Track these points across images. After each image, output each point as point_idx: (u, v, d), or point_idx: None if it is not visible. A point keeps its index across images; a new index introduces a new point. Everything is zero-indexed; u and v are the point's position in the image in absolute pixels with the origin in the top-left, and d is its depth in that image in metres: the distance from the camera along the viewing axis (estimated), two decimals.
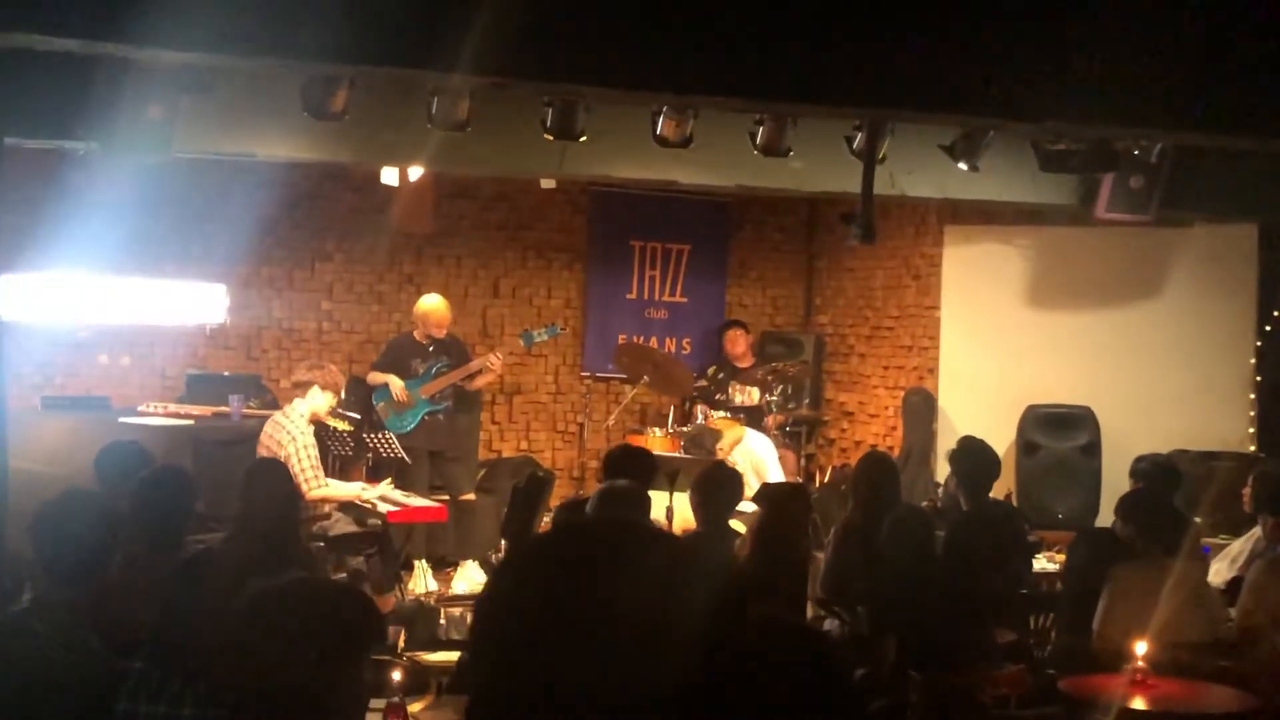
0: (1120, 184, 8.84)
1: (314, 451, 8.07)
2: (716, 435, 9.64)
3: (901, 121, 7.56)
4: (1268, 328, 9.89)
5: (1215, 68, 6.74)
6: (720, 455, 9.41)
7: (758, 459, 9.57)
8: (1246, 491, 6.92)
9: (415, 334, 9.97)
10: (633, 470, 6.57)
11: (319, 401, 8.24)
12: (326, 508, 8.16)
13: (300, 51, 5.67)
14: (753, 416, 10.64)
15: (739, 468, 9.41)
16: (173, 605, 4.07)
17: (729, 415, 10.39)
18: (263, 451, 7.99)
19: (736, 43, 6.15)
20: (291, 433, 8.02)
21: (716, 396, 10.99)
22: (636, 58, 6.11)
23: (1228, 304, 10.07)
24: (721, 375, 11.21)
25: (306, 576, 4.59)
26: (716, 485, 6.59)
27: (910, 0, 6.35)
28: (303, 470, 7.91)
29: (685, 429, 10.27)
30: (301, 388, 8.26)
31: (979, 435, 10.42)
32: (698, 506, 6.56)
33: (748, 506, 7.54)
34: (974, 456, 7.62)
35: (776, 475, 9.51)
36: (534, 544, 1.85)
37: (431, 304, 9.98)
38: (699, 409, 10.73)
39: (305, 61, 6.00)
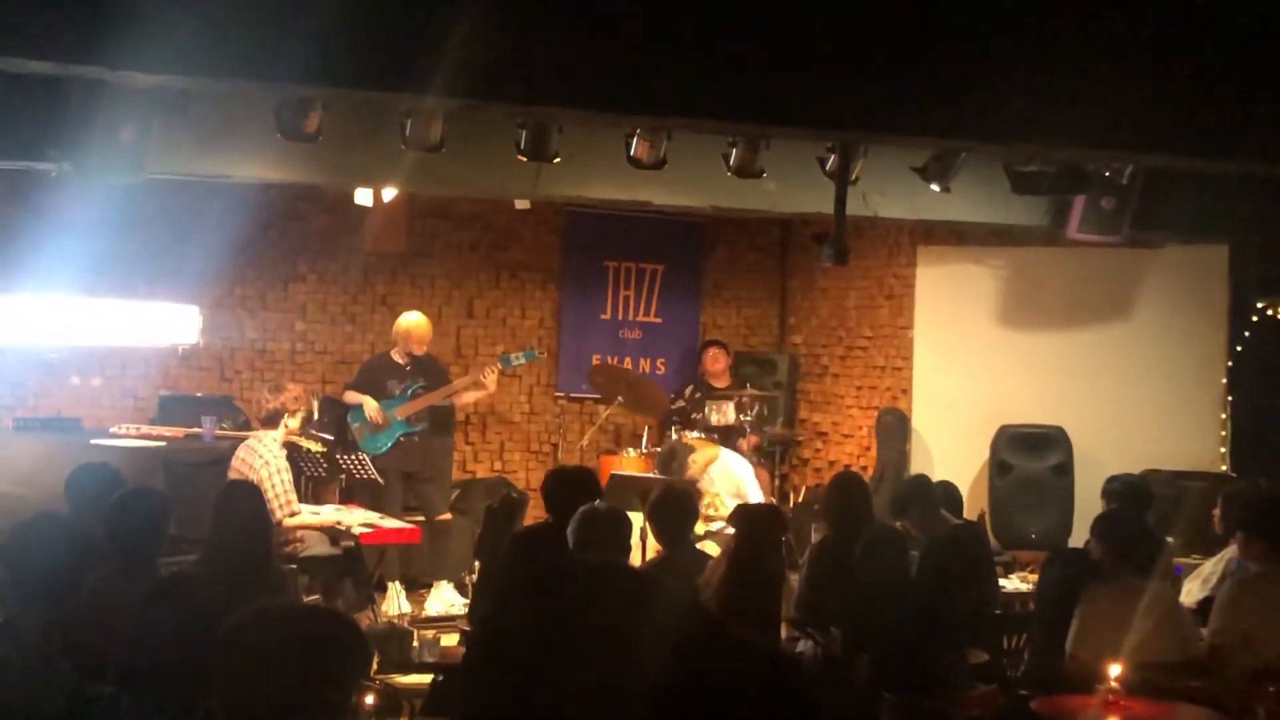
0: (1091, 205, 8.89)
1: (288, 477, 8.05)
2: (689, 451, 9.62)
3: (873, 144, 7.60)
4: (1238, 348, 9.95)
5: (1183, 91, 6.79)
6: (690, 473, 9.41)
7: (736, 479, 9.57)
8: (1217, 512, 6.95)
9: (392, 354, 9.95)
10: (576, 494, 6.56)
11: (292, 424, 8.23)
12: (299, 532, 8.13)
13: (273, 74, 5.67)
14: (728, 436, 10.64)
15: (717, 489, 9.43)
16: (144, 628, 4.06)
17: (703, 436, 10.39)
18: (235, 475, 7.96)
19: (709, 66, 6.17)
20: (265, 457, 8.00)
21: (693, 415, 10.99)
22: (609, 80, 6.13)
23: (1199, 324, 10.13)
24: (698, 395, 11.22)
25: (289, 600, 4.58)
26: (669, 506, 6.61)
27: (881, 24, 6.38)
28: (276, 496, 7.88)
29: (658, 449, 10.27)
30: (273, 420, 8.23)
31: (952, 455, 10.53)
32: (656, 532, 6.58)
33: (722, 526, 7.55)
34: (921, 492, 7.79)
35: (756, 496, 9.51)
36: (517, 588, 1.88)
37: (413, 321, 9.97)
38: (673, 431, 10.74)
39: (278, 84, 6.01)
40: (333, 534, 8.25)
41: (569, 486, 6.78)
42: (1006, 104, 6.62)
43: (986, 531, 9.34)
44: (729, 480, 9.54)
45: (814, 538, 7.79)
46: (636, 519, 7.65)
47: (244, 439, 8.39)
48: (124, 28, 5.20)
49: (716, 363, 11.43)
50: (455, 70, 5.69)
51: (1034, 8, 6.52)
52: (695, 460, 9.53)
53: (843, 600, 6.59)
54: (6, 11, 5.19)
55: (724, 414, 10.86)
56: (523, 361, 10.49)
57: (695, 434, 10.46)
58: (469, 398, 10.22)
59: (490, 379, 9.92)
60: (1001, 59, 6.52)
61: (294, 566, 7.92)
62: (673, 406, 11.26)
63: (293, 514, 8.04)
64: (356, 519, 8.41)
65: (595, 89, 6.15)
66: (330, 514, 8.49)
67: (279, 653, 2.98)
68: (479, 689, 1.77)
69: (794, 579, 7.47)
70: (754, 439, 10.90)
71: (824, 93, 6.40)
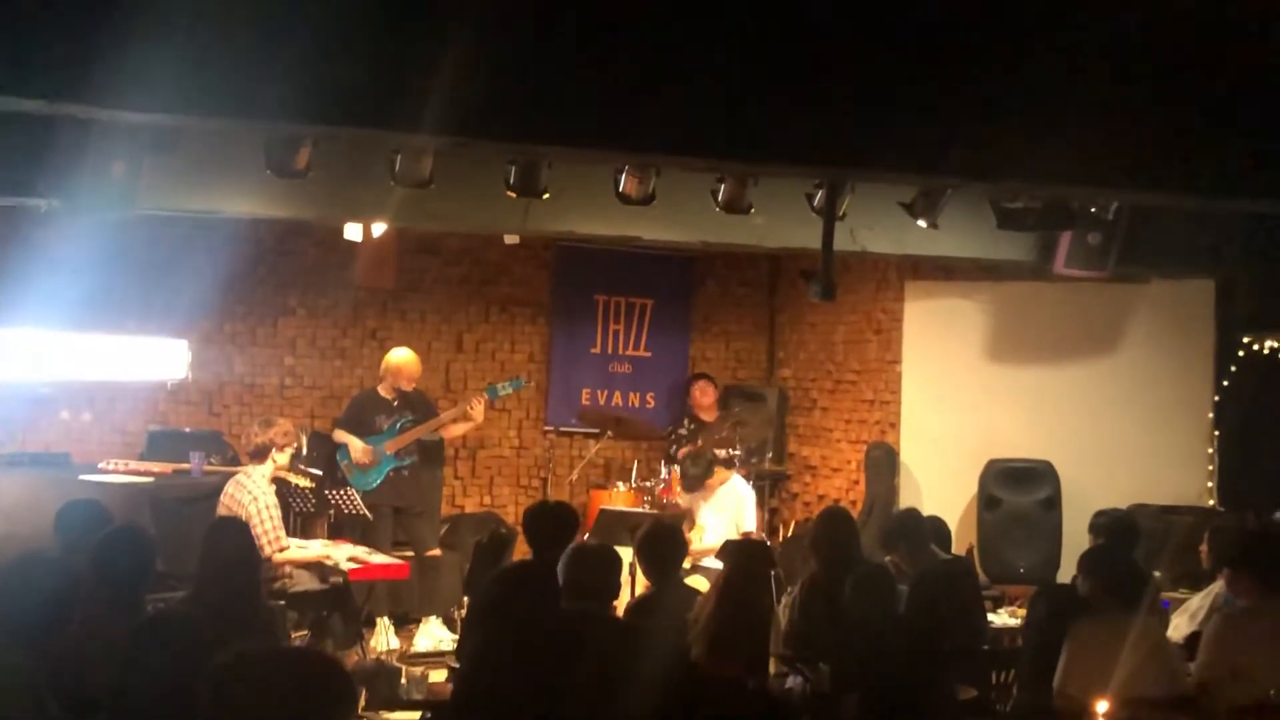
0: (1078, 240, 8.93)
1: (276, 513, 8.05)
2: (715, 463, 9.69)
3: (860, 181, 7.64)
4: (1225, 383, 9.98)
5: (1168, 128, 6.83)
6: (707, 485, 9.57)
7: (740, 500, 9.63)
8: (1204, 547, 6.97)
9: (380, 389, 9.95)
10: (558, 529, 6.58)
11: (280, 459, 8.23)
12: (288, 568, 8.12)
13: (262, 112, 5.68)
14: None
15: (716, 515, 9.46)
16: (132, 667, 4.06)
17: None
18: (223, 511, 7.96)
19: (697, 103, 6.20)
20: (253, 493, 8.00)
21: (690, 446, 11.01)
22: (598, 117, 6.15)
23: (1185, 359, 10.17)
24: (692, 428, 11.24)
25: (276, 644, 4.58)
26: (658, 543, 6.61)
27: (868, 62, 6.41)
28: (265, 532, 7.88)
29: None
30: (260, 455, 8.23)
31: (940, 489, 10.54)
32: (645, 568, 6.59)
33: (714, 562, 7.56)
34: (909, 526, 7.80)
35: (752, 522, 9.55)
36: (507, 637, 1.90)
37: (403, 357, 9.98)
38: (663, 465, 10.77)
39: (268, 122, 6.02)
40: (321, 570, 8.24)
41: (548, 521, 6.79)
42: (992, 141, 6.65)
43: (975, 566, 9.35)
44: (733, 499, 9.59)
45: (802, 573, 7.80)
46: (626, 553, 7.65)
47: (233, 474, 8.39)
48: (114, 67, 5.22)
49: (705, 396, 11.48)
50: (444, 107, 5.71)
51: (1019, 45, 6.56)
52: (713, 477, 9.61)
53: (831, 636, 6.60)
54: None
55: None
56: (510, 390, 10.49)
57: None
58: (457, 430, 10.23)
59: (478, 410, 9.94)
60: (988, 96, 6.56)
61: (282, 603, 7.91)
62: (676, 433, 11.29)
63: (281, 549, 8.03)
64: (345, 554, 8.40)
65: (584, 126, 6.17)
66: (319, 549, 8.48)
67: (265, 696, 2.98)
68: None
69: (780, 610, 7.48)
70: (743, 471, 10.91)
71: (811, 130, 6.43)
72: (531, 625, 1.92)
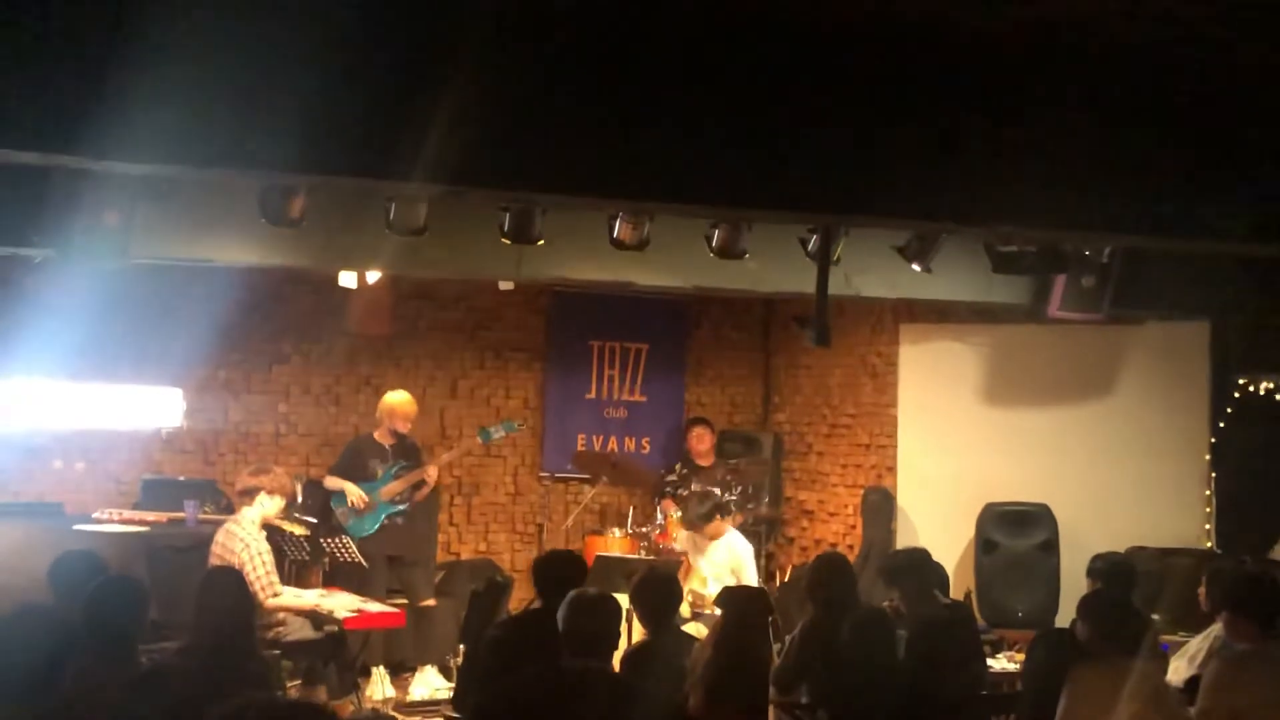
0: (1072, 283, 8.94)
1: (269, 559, 8.02)
2: (716, 509, 9.55)
3: (854, 226, 7.65)
4: (1221, 424, 9.97)
5: (1163, 172, 6.85)
6: (709, 529, 9.41)
7: (739, 558, 9.51)
8: (1202, 591, 6.94)
9: (375, 435, 9.93)
10: (567, 579, 6.52)
11: (268, 507, 8.21)
12: (282, 615, 8.08)
13: (256, 162, 5.69)
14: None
15: (714, 569, 9.39)
16: None
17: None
18: (215, 560, 7.93)
19: (690, 150, 6.22)
20: (245, 540, 7.97)
21: (680, 491, 10.98)
22: (591, 165, 6.17)
23: (1181, 400, 10.15)
24: (685, 472, 11.22)
25: (270, 696, 4.54)
26: (654, 590, 6.58)
27: (862, 107, 6.44)
28: (258, 579, 7.85)
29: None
30: (248, 495, 8.22)
31: (938, 533, 10.50)
32: (641, 615, 6.56)
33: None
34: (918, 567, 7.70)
35: (752, 578, 9.45)
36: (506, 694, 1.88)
37: (398, 399, 9.96)
38: (663, 505, 10.73)
39: (262, 172, 6.03)
40: (316, 618, 8.20)
41: (557, 570, 6.73)
42: (986, 186, 6.67)
43: (974, 611, 9.31)
44: (731, 556, 9.50)
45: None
46: (622, 599, 7.61)
47: (223, 523, 8.36)
48: (107, 119, 5.23)
49: (702, 442, 11.45)
50: (438, 157, 5.72)
51: (1012, 90, 6.59)
52: (709, 527, 9.51)
53: (829, 682, 6.56)
54: None
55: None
56: (502, 434, 10.47)
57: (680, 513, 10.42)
58: (421, 494, 10.02)
59: (432, 474, 9.86)
60: (981, 141, 6.58)
61: (278, 652, 7.87)
62: (666, 479, 11.26)
63: (275, 594, 8.00)
64: (340, 603, 8.36)
65: (577, 174, 6.19)
66: (313, 598, 8.44)
67: None
68: None
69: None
70: (739, 517, 10.87)
71: (804, 176, 6.45)
72: (537, 682, 1.90)
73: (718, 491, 10.05)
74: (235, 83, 5.49)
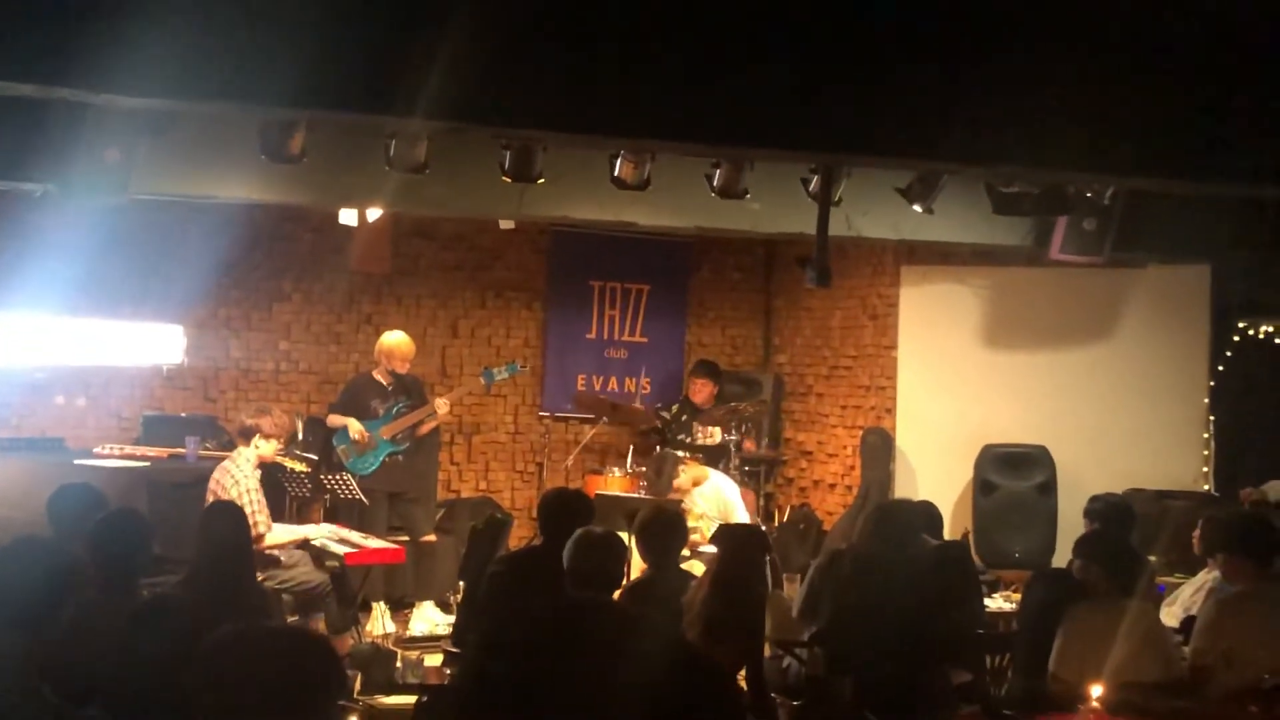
0: (1074, 225, 8.91)
1: (259, 497, 8.07)
2: (678, 462, 9.59)
3: (856, 166, 7.63)
4: (1220, 367, 9.99)
5: (1165, 114, 6.83)
6: (676, 488, 9.39)
7: (725, 501, 9.54)
8: (1196, 535, 6.97)
9: (375, 373, 9.94)
10: (571, 517, 6.52)
11: (264, 447, 8.23)
12: (279, 552, 8.14)
13: (257, 97, 5.67)
14: (714, 456, 10.63)
15: (702, 509, 9.42)
16: (128, 653, 4.06)
17: (690, 455, 10.37)
18: (210, 496, 7.98)
19: (690, 88, 6.19)
20: (236, 477, 8.03)
21: (679, 436, 10.99)
22: (592, 103, 6.14)
23: (1181, 344, 10.17)
24: (685, 416, 11.22)
25: (266, 624, 4.57)
26: (659, 527, 6.58)
27: (863, 46, 6.41)
28: (249, 515, 7.88)
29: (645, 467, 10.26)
30: (246, 435, 8.25)
31: (936, 474, 10.54)
32: (643, 552, 6.58)
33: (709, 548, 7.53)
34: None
35: (743, 518, 9.49)
36: (511, 629, 1.91)
37: (396, 340, 9.97)
38: (659, 448, 10.73)
39: (263, 107, 6.01)
40: (317, 555, 8.25)
41: (565, 510, 6.74)
42: (988, 126, 6.64)
43: (971, 551, 9.35)
44: (718, 501, 9.52)
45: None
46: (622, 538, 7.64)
47: (223, 459, 8.40)
48: (107, 51, 5.21)
49: (701, 393, 11.31)
50: (439, 93, 5.69)
51: (1016, 30, 6.55)
52: (684, 472, 9.51)
53: (828, 620, 6.59)
54: None
55: (710, 435, 10.86)
56: (505, 375, 10.49)
57: (682, 454, 10.43)
58: (426, 427, 10.03)
59: (442, 408, 9.88)
60: (983, 81, 6.54)
61: (287, 597, 7.94)
62: (659, 417, 11.27)
63: (266, 530, 8.05)
64: (326, 532, 8.42)
65: (578, 111, 6.17)
66: (303, 531, 8.50)
67: (256, 673, 2.98)
68: None
69: (781, 596, 7.46)
70: (749, 445, 10.91)
71: (805, 115, 6.43)
72: (542, 613, 1.93)
73: (679, 452, 10.01)
74: (237, 17, 5.47)
